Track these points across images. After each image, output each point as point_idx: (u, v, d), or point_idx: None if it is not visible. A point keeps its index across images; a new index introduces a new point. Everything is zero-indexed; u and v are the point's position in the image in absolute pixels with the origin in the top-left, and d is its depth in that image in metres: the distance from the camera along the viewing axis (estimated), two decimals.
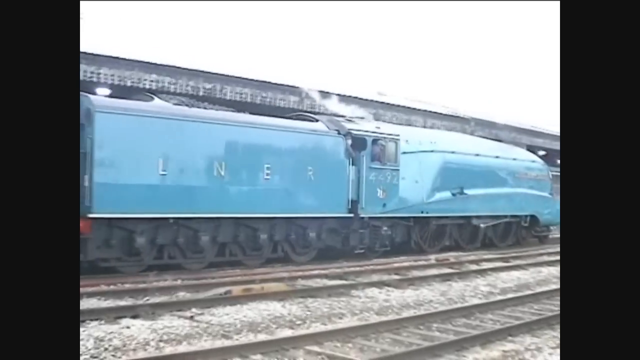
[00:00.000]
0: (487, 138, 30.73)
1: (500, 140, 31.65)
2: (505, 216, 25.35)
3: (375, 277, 16.11)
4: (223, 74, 23.64)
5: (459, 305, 12.88)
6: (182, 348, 8.83)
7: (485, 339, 9.78)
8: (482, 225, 24.04)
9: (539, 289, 15.39)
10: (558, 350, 9.38)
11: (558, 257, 21.81)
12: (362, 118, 22.12)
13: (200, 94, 22.30)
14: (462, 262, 19.51)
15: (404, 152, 20.89)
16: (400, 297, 13.56)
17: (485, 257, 21.18)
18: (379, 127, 20.84)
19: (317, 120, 19.81)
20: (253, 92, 24.60)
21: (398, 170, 20.53)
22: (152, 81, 21.09)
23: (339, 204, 18.95)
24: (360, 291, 13.92)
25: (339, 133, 19.28)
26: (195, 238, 16.17)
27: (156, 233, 15.52)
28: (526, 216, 26.55)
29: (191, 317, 10.68)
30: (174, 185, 15.49)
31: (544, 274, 18.12)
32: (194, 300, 12.08)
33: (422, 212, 21.58)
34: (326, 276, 15.92)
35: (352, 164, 19.31)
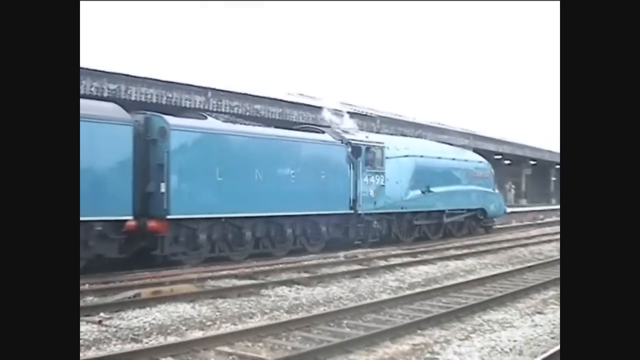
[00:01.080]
0: (394, 134, 31.52)
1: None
2: (462, 210, 28.96)
3: (284, 276, 16.14)
4: (127, 74, 23.24)
5: (368, 301, 13.00)
6: (91, 354, 8.68)
7: (394, 333, 9.91)
8: (446, 218, 27.53)
9: (446, 283, 15.67)
10: (466, 342, 9.61)
11: (465, 251, 22.32)
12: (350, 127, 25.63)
13: (105, 94, 21.85)
14: (371, 259, 19.69)
15: (387, 158, 24.23)
16: (310, 294, 13.64)
17: (394, 252, 21.43)
18: (367, 137, 24.38)
19: (323, 132, 23.02)
20: (159, 92, 24.26)
21: (384, 173, 23.92)
22: None
23: (343, 203, 22.31)
24: (270, 290, 13.94)
25: (342, 142, 22.66)
26: (240, 234, 18.99)
27: (212, 230, 18.22)
28: (477, 209, 30.14)
29: (99, 322, 10.52)
30: (227, 189, 18.18)
31: (451, 268, 18.46)
32: (102, 304, 11.89)
33: (401, 208, 25.00)
34: (235, 276, 15.87)
35: (351, 169, 22.62)
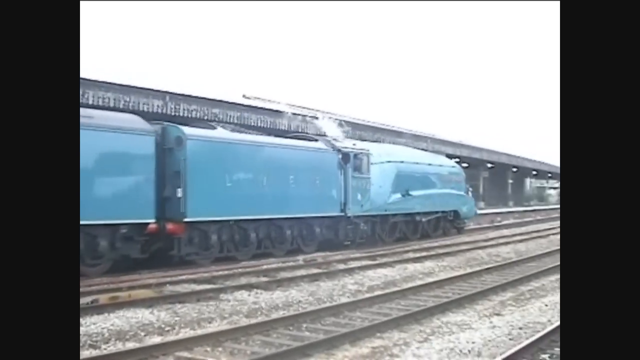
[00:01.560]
0: (352, 138, 31.77)
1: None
2: (438, 212, 30.71)
3: (243, 280, 16.06)
4: (83, 78, 22.98)
5: (327, 304, 13.02)
6: None
7: (354, 336, 9.93)
8: (423, 220, 29.38)
9: (405, 285, 15.73)
10: (425, 344, 9.66)
11: (424, 254, 22.44)
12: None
13: None
14: (330, 262, 19.72)
15: (372, 164, 25.91)
16: (269, 298, 13.60)
17: (353, 256, 21.47)
18: (355, 144, 26.06)
19: (317, 140, 24.77)
20: (116, 96, 24.11)
21: (369, 178, 25.60)
22: None
23: (335, 206, 23.96)
24: (229, 294, 13.88)
25: (333, 150, 24.26)
26: (245, 235, 20.46)
27: (221, 232, 19.65)
28: (451, 211, 32.03)
29: None
30: (235, 194, 19.59)
31: (410, 271, 18.53)
32: None
33: (385, 211, 26.76)
34: (194, 281, 15.77)
35: (342, 174, 24.26)
